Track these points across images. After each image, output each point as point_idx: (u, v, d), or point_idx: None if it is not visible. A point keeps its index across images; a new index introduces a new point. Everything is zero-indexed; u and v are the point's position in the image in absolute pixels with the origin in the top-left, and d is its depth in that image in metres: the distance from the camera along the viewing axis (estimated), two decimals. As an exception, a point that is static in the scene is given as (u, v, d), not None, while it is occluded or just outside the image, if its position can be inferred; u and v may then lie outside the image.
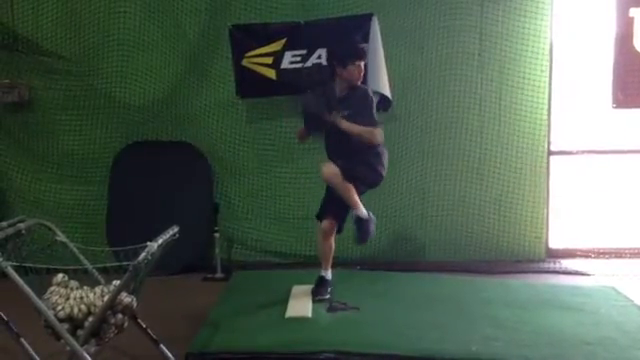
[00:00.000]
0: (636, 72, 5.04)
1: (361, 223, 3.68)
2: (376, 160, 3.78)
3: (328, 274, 3.92)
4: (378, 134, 3.72)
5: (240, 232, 5.15)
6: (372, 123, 3.70)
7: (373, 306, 3.80)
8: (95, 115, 5.08)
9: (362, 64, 3.72)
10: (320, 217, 3.89)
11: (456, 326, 3.52)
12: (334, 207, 3.82)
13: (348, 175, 3.68)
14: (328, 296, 3.85)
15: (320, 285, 3.90)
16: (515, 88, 5.02)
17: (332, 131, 3.75)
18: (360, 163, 3.73)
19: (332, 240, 3.88)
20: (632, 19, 4.96)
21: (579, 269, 4.86)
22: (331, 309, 3.74)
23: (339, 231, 3.93)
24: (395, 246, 4.94)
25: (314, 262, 4.84)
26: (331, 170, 3.69)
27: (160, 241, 2.78)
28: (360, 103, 3.72)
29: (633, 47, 4.99)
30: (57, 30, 4.99)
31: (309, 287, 3.95)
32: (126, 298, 2.77)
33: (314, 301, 3.81)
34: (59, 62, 5.01)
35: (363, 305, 3.79)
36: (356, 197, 3.70)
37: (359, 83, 3.77)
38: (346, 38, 4.21)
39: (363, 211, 3.69)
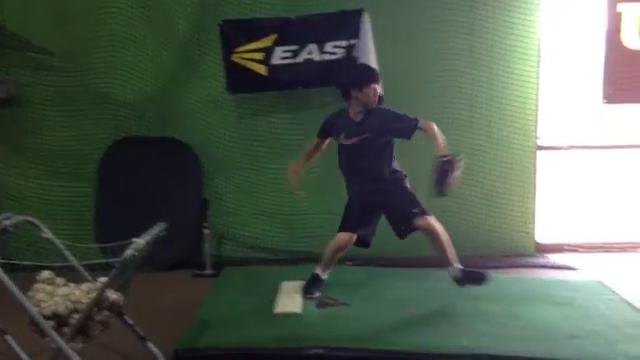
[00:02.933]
0: (626, 67, 5.07)
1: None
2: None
3: (324, 275, 3.90)
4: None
5: (230, 228, 5.13)
6: (414, 120, 3.68)
7: (363, 302, 3.80)
8: (83, 111, 5.04)
9: (377, 87, 3.71)
10: (340, 228, 3.86)
11: (445, 321, 3.54)
12: (353, 220, 3.83)
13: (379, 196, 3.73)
14: (318, 294, 3.84)
15: (313, 282, 3.88)
16: (505, 84, 5.03)
17: (357, 152, 3.75)
18: (389, 180, 3.78)
19: (343, 252, 3.86)
20: (620, 14, 4.98)
21: (567, 264, 4.89)
22: (321, 305, 3.74)
23: (367, 245, 3.90)
24: (385, 242, 4.92)
25: (304, 258, 4.88)
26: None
27: (147, 238, 2.77)
28: (385, 120, 3.71)
29: (622, 42, 5.01)
30: (45, 26, 4.95)
31: (299, 283, 3.94)
32: (113, 295, 2.76)
33: (304, 297, 3.81)
34: (47, 58, 4.97)
35: (353, 301, 3.79)
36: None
37: (375, 105, 3.75)
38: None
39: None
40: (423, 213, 3.73)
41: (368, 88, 3.67)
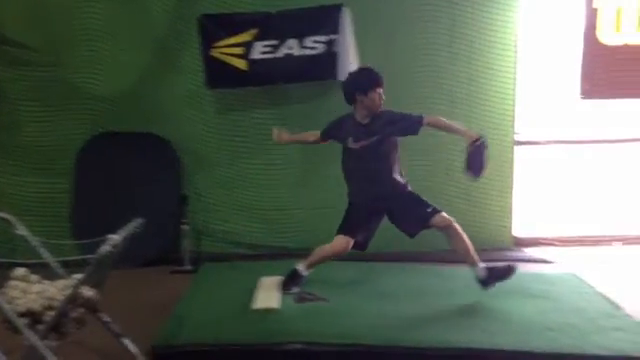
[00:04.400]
0: (602, 63, 5.12)
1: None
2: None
3: (306, 272, 3.88)
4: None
5: (209, 224, 5.11)
6: (419, 117, 3.70)
7: (341, 297, 3.81)
8: (60, 106, 4.97)
9: (382, 91, 3.71)
10: (340, 231, 3.84)
11: (423, 315, 3.56)
12: (355, 225, 3.83)
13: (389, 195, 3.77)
14: (297, 289, 3.83)
15: (293, 278, 3.87)
16: (484, 79, 5.06)
17: (365, 156, 3.73)
18: (396, 185, 3.80)
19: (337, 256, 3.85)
20: (596, 10, 5.03)
21: (543, 257, 4.95)
22: (299, 300, 3.74)
23: (363, 248, 3.90)
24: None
25: (283, 253, 4.89)
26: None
27: (123, 234, 2.76)
28: (391, 121, 3.71)
29: (598, 38, 5.06)
30: (22, 20, 4.86)
31: (278, 278, 3.94)
32: (88, 292, 2.75)
33: (283, 293, 3.80)
34: (23, 52, 4.89)
35: (331, 296, 3.80)
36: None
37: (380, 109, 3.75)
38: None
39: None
40: (437, 211, 3.76)
41: (373, 92, 3.68)
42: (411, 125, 3.70)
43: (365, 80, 3.73)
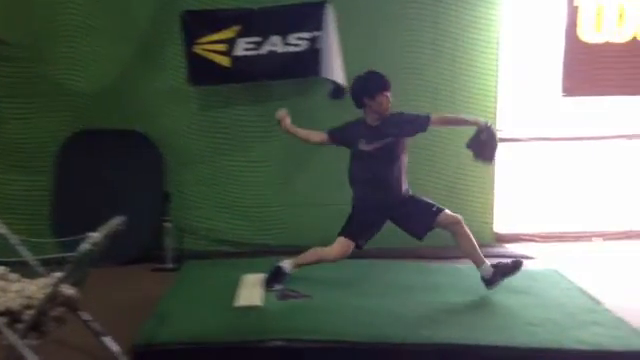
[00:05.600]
0: (584, 60, 5.18)
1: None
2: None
3: (290, 269, 3.84)
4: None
5: (192, 221, 5.09)
6: (426, 115, 3.74)
7: (324, 293, 3.81)
8: (40, 103, 4.92)
9: (389, 94, 3.71)
10: (343, 234, 3.82)
11: (405, 311, 3.57)
12: (359, 230, 3.81)
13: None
14: (279, 287, 3.82)
15: (276, 276, 3.84)
16: (467, 77, 5.09)
17: (377, 159, 3.72)
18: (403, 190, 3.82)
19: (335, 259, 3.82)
20: (576, 8, 5.08)
21: (524, 253, 4.99)
22: (282, 297, 3.73)
23: (360, 248, 3.88)
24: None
25: (266, 251, 4.88)
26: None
27: (103, 232, 2.73)
28: (402, 122, 3.74)
29: (578, 36, 5.12)
30: (1, 15, 4.79)
31: (260, 276, 3.92)
32: (68, 290, 2.72)
33: (266, 290, 3.79)
34: (3, 48, 4.81)
35: (315, 292, 3.79)
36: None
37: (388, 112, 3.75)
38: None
39: None
40: (441, 209, 3.78)
41: (380, 96, 3.68)
42: (420, 123, 3.74)
43: (372, 84, 3.72)
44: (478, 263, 3.81)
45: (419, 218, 3.80)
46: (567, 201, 5.49)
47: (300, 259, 3.87)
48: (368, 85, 3.74)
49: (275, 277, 3.85)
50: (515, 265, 3.81)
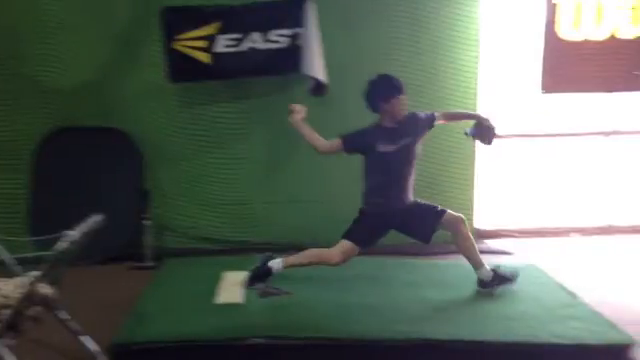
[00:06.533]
0: (562, 58, 5.23)
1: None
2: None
3: (278, 269, 3.78)
4: None
5: (172, 219, 5.05)
6: (431, 114, 3.88)
7: (306, 290, 3.80)
8: (16, 100, 4.85)
9: (403, 97, 3.72)
10: (349, 238, 3.75)
11: (385, 307, 3.59)
12: (367, 236, 3.78)
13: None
14: (262, 285, 3.78)
15: (263, 275, 3.78)
16: (448, 74, 5.11)
17: (397, 160, 3.71)
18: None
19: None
20: (555, 6, 5.13)
21: (503, 249, 5.05)
22: (263, 294, 3.71)
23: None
24: (328, 231, 4.96)
25: (247, 248, 4.87)
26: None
27: (81, 230, 2.71)
28: (417, 120, 3.79)
29: (557, 34, 5.17)
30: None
31: (240, 273, 3.91)
32: (44, 289, 2.69)
33: (248, 287, 3.76)
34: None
35: (296, 289, 3.79)
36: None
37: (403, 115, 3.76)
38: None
39: None
40: (444, 210, 3.80)
41: (395, 99, 3.68)
42: (428, 120, 3.84)
43: (387, 88, 3.71)
44: (477, 265, 3.83)
45: (424, 221, 3.79)
46: (546, 197, 5.54)
47: (293, 260, 3.80)
48: (383, 89, 3.72)
49: (259, 276, 3.79)
50: (513, 276, 3.86)
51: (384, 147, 3.70)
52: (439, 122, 3.90)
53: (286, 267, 3.80)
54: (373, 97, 3.74)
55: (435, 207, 3.83)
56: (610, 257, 4.96)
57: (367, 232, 3.79)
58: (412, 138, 3.74)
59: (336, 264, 3.74)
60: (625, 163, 5.58)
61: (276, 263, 3.80)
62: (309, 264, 3.80)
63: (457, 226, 3.79)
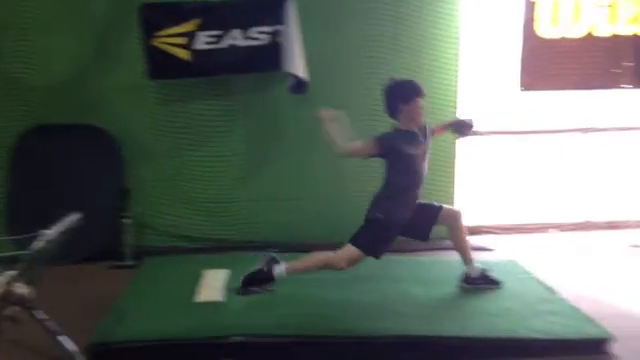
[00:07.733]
0: (541, 56, 5.28)
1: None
2: None
3: (282, 275, 3.69)
4: None
5: (152, 217, 5.00)
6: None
7: (287, 288, 3.77)
8: (-7, 97, 4.78)
9: (421, 101, 3.69)
10: (357, 245, 3.64)
11: (367, 303, 3.62)
12: (378, 244, 3.67)
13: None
14: (257, 289, 3.70)
15: (263, 279, 3.68)
16: (428, 72, 5.11)
17: (420, 161, 3.70)
18: None
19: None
20: (533, 4, 5.18)
21: (484, 245, 5.08)
22: (244, 292, 3.69)
23: None
24: (311, 227, 4.97)
25: (228, 246, 4.85)
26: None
27: (58, 229, 2.68)
28: (425, 130, 3.78)
29: (535, 32, 5.22)
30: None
31: (221, 271, 3.90)
32: (21, 289, 2.65)
33: (243, 291, 3.67)
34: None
35: (277, 286, 3.75)
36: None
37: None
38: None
39: None
40: (441, 205, 3.84)
41: (413, 101, 3.65)
42: (431, 130, 3.84)
43: (407, 90, 3.68)
44: (467, 260, 3.88)
45: (423, 220, 3.78)
46: (525, 193, 5.59)
47: (298, 265, 3.70)
48: (403, 91, 3.69)
49: (259, 280, 3.68)
50: (499, 283, 3.92)
51: (411, 149, 3.64)
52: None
53: (289, 273, 3.69)
54: (393, 99, 3.69)
55: (432, 204, 3.84)
56: (587, 253, 5.03)
57: (381, 241, 3.67)
58: (426, 143, 3.75)
59: (341, 269, 3.66)
60: (602, 160, 5.65)
61: (280, 270, 3.69)
62: (314, 270, 3.70)
63: (454, 220, 3.83)
